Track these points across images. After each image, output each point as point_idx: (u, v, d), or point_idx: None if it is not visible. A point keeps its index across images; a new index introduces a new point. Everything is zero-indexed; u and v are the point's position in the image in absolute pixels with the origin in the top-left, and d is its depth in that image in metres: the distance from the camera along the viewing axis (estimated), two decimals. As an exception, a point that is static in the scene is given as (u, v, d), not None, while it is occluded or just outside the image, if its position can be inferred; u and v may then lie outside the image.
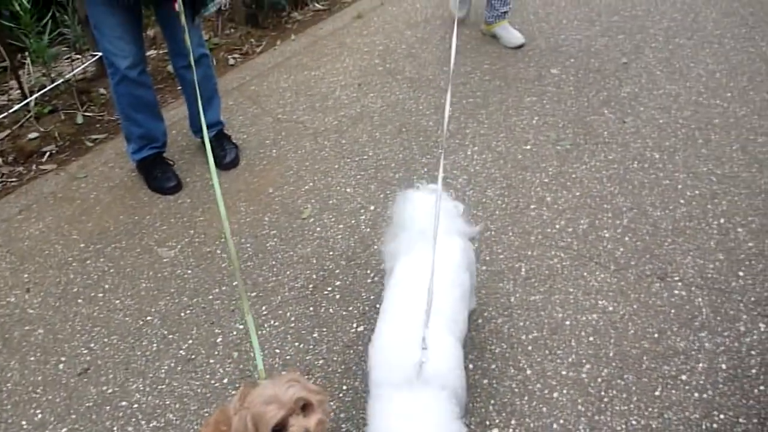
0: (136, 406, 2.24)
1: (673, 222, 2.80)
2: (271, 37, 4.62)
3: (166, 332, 2.50)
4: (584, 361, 2.28)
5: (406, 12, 4.77)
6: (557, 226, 2.84)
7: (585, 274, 2.61)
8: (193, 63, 2.56)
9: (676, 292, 2.49)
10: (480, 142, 3.35)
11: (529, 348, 2.34)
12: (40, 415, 2.24)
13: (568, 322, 2.42)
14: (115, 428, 2.18)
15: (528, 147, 3.31)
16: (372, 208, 3.01)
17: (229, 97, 3.85)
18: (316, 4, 5.02)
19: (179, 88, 4.14)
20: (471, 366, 2.28)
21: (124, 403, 2.25)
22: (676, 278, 2.54)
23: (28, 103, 3.79)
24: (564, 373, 2.24)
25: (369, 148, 3.40)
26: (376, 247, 2.79)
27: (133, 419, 2.20)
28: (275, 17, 4.78)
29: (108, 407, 2.25)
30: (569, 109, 3.58)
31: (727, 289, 2.49)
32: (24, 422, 2.22)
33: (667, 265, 2.60)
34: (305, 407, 1.53)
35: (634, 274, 2.58)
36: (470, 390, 2.19)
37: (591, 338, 2.35)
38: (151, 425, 2.18)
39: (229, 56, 4.37)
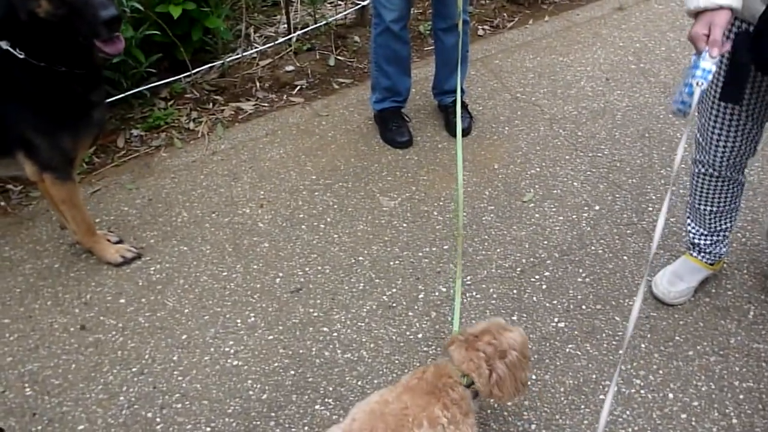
0: (335, 334, 2.40)
1: None
2: (525, 15, 4.56)
3: (373, 276, 2.62)
4: (804, 429, 2.04)
5: (672, 12, 4.45)
6: (802, 277, 2.55)
7: (825, 336, 2.33)
8: (457, 25, 2.60)
9: None
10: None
11: (741, 397, 2.14)
12: (252, 319, 2.48)
13: (793, 383, 2.18)
14: (314, 349, 2.34)
15: (785, 183, 2.99)
16: (597, 207, 2.90)
17: (471, 67, 3.87)
18: (577, -11, 4.85)
19: (425, 48, 4.29)
20: (671, 396, 2.14)
21: (325, 329, 2.42)
22: None
23: (290, 39, 4.12)
24: (776, 435, 2.03)
25: (605, 146, 3.26)
26: (593, 248, 2.69)
27: (331, 346, 2.36)
28: (533, -4, 4.71)
29: (311, 328, 2.42)
30: None
31: None
32: (239, 321, 2.46)
33: None
34: None
35: None
36: (665, 421, 2.07)
37: (818, 408, 2.11)
38: (345, 356, 2.32)
39: (480, 27, 4.39)
